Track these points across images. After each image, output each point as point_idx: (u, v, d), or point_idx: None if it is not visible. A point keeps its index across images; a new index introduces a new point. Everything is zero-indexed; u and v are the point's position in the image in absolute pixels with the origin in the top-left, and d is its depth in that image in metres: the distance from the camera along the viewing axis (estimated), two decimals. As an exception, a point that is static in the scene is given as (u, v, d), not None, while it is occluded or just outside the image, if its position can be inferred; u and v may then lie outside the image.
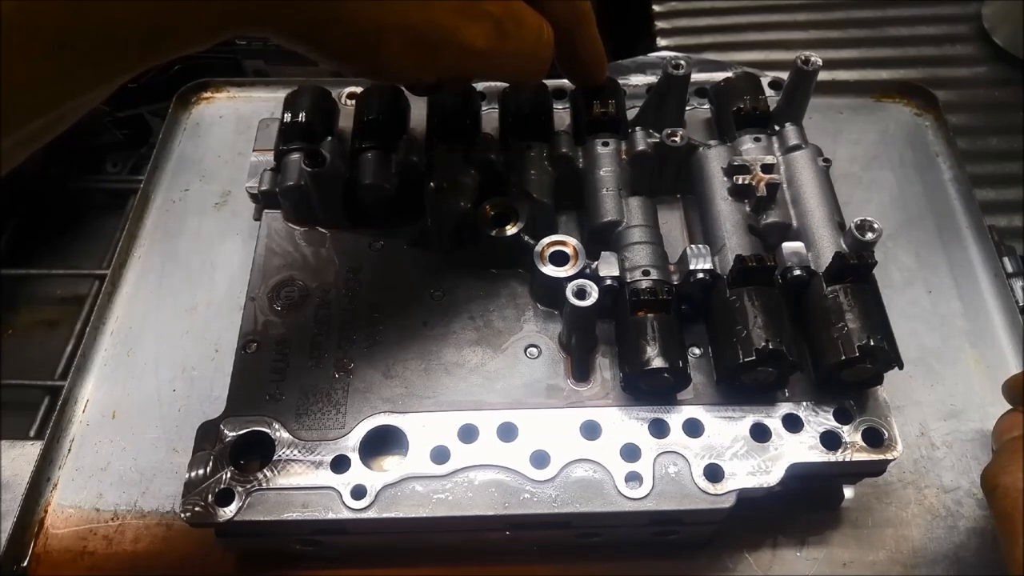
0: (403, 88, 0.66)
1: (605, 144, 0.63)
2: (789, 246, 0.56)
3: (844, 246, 0.56)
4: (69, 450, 0.64)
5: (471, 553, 0.59)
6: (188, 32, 0.39)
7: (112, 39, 0.35)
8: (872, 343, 0.51)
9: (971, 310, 0.72)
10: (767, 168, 0.60)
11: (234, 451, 0.53)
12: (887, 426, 0.53)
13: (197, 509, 0.50)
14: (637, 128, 0.64)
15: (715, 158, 0.62)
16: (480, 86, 0.69)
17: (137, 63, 0.38)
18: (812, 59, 0.63)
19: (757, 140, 0.63)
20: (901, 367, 0.52)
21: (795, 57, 0.63)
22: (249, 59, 1.04)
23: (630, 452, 0.52)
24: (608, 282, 0.55)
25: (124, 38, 0.36)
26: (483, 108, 0.68)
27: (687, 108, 0.69)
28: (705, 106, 0.70)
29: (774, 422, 0.53)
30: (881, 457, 0.52)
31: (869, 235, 0.54)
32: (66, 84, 0.36)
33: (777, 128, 0.65)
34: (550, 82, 0.69)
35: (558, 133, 0.65)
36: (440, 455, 0.52)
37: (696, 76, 0.67)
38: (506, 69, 0.52)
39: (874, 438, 0.53)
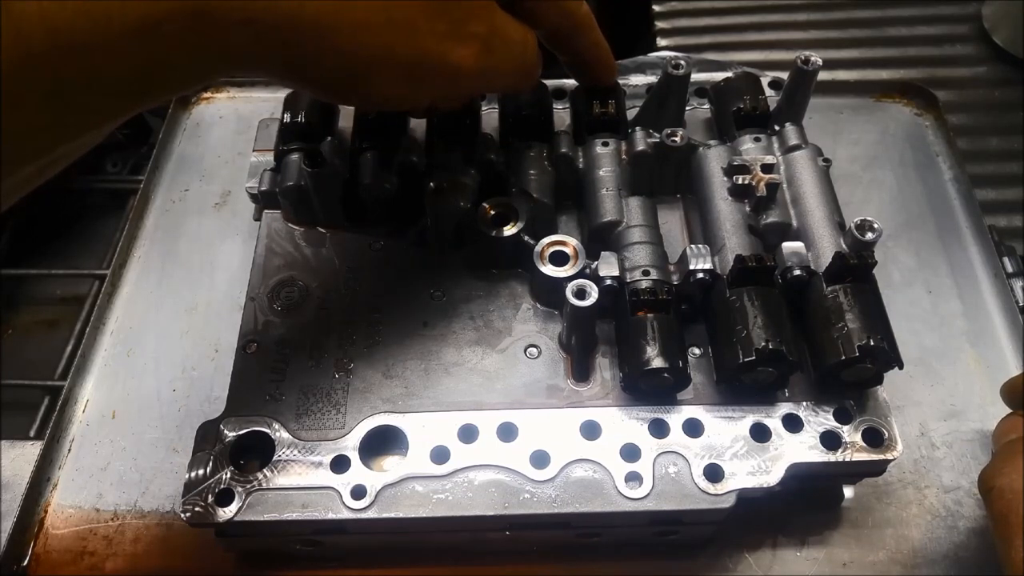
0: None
1: (605, 144, 0.63)
2: (789, 246, 0.56)
3: (844, 246, 0.56)
4: (69, 450, 0.64)
5: (471, 553, 0.59)
6: (177, 77, 0.39)
7: (102, 88, 0.36)
8: (872, 343, 0.51)
9: (971, 310, 0.72)
10: (767, 168, 0.60)
11: (234, 451, 0.53)
12: (887, 426, 0.53)
13: (197, 509, 0.50)
14: (637, 128, 0.64)
15: (715, 158, 0.62)
16: (480, 86, 0.69)
17: (128, 109, 0.39)
18: (812, 59, 0.63)
19: (757, 140, 0.63)
20: (901, 367, 0.52)
21: (795, 57, 0.63)
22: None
23: (630, 452, 0.52)
24: (608, 282, 0.55)
25: (114, 88, 0.36)
26: (483, 108, 0.68)
27: (687, 108, 0.69)
28: (705, 106, 0.70)
29: (774, 422, 0.53)
30: (881, 457, 0.52)
31: (869, 235, 0.54)
32: (58, 131, 0.37)
33: (777, 128, 0.65)
34: (550, 82, 0.69)
35: (558, 133, 0.65)
36: (440, 455, 0.52)
37: (696, 76, 0.67)
38: (496, 84, 0.53)
39: (874, 438, 0.53)
